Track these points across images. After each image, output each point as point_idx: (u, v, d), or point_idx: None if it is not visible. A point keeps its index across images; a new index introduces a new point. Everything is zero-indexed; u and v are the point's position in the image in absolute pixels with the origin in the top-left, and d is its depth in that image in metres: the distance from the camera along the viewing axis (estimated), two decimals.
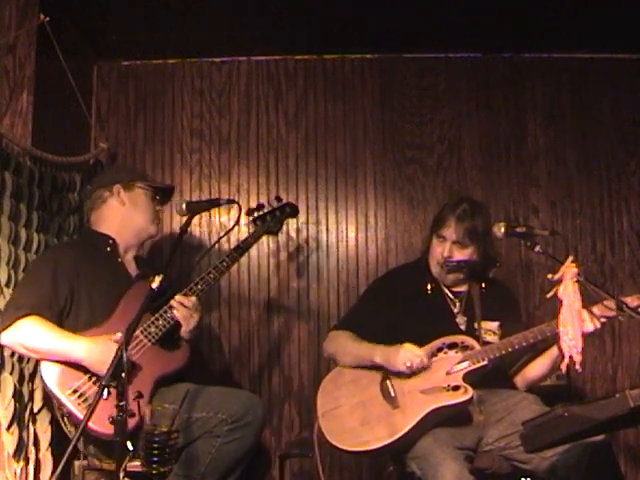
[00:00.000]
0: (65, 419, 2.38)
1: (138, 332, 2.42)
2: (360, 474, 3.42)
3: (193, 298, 2.52)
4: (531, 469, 2.36)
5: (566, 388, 3.10)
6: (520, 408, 2.44)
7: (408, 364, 2.42)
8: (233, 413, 2.33)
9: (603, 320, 2.35)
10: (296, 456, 3.33)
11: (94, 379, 2.32)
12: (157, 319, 2.47)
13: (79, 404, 2.28)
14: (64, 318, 2.44)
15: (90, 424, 2.11)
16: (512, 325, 2.58)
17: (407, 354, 2.43)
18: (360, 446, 2.39)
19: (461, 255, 2.62)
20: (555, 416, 1.85)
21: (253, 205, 2.79)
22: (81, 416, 2.25)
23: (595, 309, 2.35)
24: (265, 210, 2.77)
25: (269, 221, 2.77)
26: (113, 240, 2.63)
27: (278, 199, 2.83)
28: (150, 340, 2.44)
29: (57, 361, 2.33)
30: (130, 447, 1.89)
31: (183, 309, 2.50)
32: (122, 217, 2.65)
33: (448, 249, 2.62)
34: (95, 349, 2.29)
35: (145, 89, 3.67)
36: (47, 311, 2.38)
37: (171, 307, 2.48)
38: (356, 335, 2.64)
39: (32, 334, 2.32)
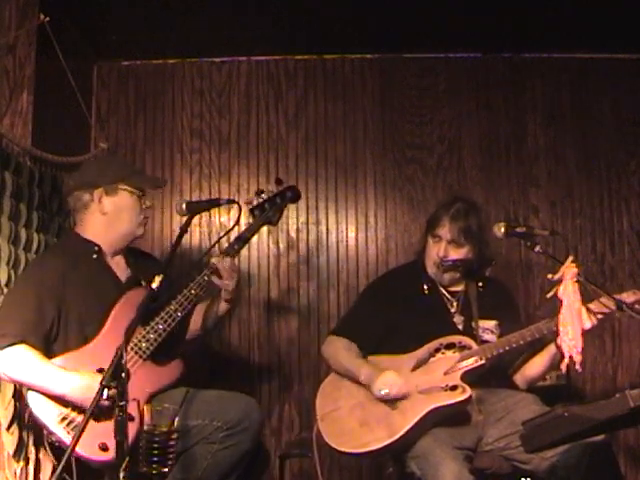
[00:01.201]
0: (53, 447, 2.28)
1: (128, 349, 2.29)
2: (360, 474, 3.42)
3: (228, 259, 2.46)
4: (531, 469, 2.36)
5: (566, 388, 3.10)
6: (519, 408, 2.44)
7: (383, 392, 2.41)
8: (229, 420, 2.30)
9: (600, 316, 2.34)
10: (296, 456, 3.33)
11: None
12: (148, 332, 2.36)
13: (68, 432, 2.18)
14: (52, 339, 2.33)
15: (77, 449, 2.01)
16: (510, 323, 2.57)
17: (386, 381, 2.42)
18: (360, 447, 2.39)
19: (456, 254, 2.62)
20: (555, 416, 1.85)
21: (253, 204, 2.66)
22: (70, 442, 2.13)
23: (592, 305, 2.34)
24: (264, 197, 2.58)
25: (268, 210, 2.58)
26: (99, 247, 2.47)
27: (278, 182, 2.63)
28: (141, 356, 2.34)
29: None
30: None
31: (223, 266, 2.43)
32: (105, 225, 2.48)
33: (444, 248, 2.62)
34: (77, 385, 2.18)
35: (145, 89, 3.67)
36: (33, 337, 2.25)
37: (170, 315, 2.39)
38: (352, 343, 2.63)
39: (16, 365, 2.21)
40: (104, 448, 2.13)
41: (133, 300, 2.34)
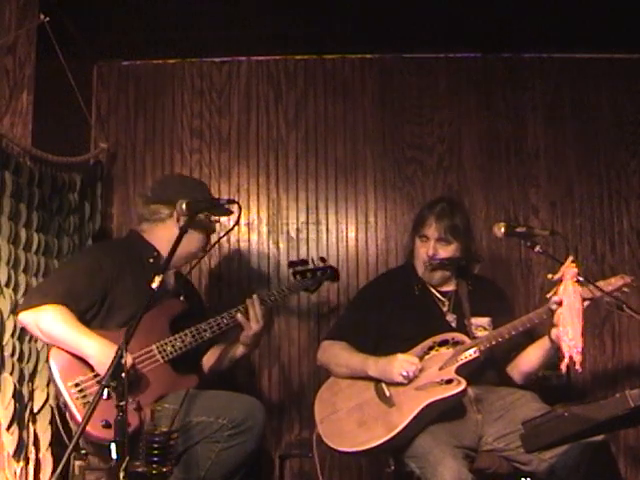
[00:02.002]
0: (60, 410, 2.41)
1: (153, 347, 2.44)
2: (360, 474, 3.42)
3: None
4: (531, 470, 2.36)
5: (566, 388, 3.11)
6: (518, 406, 2.45)
7: (404, 373, 2.42)
8: (233, 418, 2.33)
9: (587, 302, 2.33)
10: (296, 456, 3.33)
11: (98, 378, 2.31)
12: (176, 339, 2.48)
13: (77, 398, 2.29)
14: (88, 319, 2.42)
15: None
16: (503, 319, 2.58)
17: (403, 364, 2.43)
18: (359, 446, 2.40)
19: (445, 252, 2.65)
20: (555, 416, 1.86)
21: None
22: (75, 410, 2.27)
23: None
24: (308, 267, 2.92)
25: (309, 278, 2.91)
26: (158, 253, 2.61)
27: (323, 260, 3.00)
28: (163, 357, 2.45)
29: (68, 351, 2.34)
30: (114, 455, 1.88)
31: (254, 310, 2.60)
32: (159, 241, 2.61)
33: (432, 247, 2.64)
34: (106, 351, 2.27)
35: (145, 89, 3.67)
36: (72, 304, 2.37)
37: (199, 332, 2.52)
38: (349, 345, 2.64)
39: (51, 319, 2.32)
40: (107, 425, 2.19)
41: (167, 308, 2.54)
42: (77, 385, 2.31)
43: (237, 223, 2.63)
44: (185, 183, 2.77)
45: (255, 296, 2.64)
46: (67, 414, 2.36)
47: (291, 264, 2.94)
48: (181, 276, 2.74)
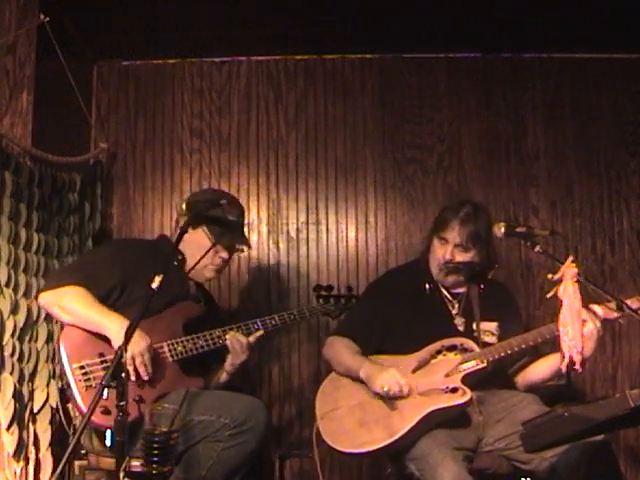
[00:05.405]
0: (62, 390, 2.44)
1: (164, 344, 2.46)
2: (360, 474, 3.42)
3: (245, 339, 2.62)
4: (531, 469, 2.35)
5: (566, 388, 3.10)
6: (520, 408, 2.44)
7: (385, 388, 2.39)
8: (235, 417, 2.33)
9: (603, 316, 2.33)
10: (296, 456, 3.33)
11: (105, 365, 2.33)
12: (188, 341, 2.50)
13: (80, 380, 2.30)
14: (109, 307, 2.44)
15: (83, 409, 2.24)
16: (511, 325, 2.57)
17: (388, 379, 2.41)
18: (358, 448, 2.39)
19: (462, 258, 2.60)
20: (555, 416, 1.86)
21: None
22: (77, 391, 2.30)
23: (596, 307, 2.34)
24: (332, 293, 2.93)
25: (331, 304, 2.92)
26: (183, 256, 2.64)
27: (349, 289, 3.01)
28: (172, 356, 2.47)
29: (81, 331, 2.36)
30: (108, 442, 1.89)
31: (237, 343, 2.59)
32: (185, 247, 2.61)
33: (450, 252, 2.60)
34: (126, 326, 2.26)
35: (145, 89, 3.68)
36: (92, 288, 2.41)
37: (213, 338, 2.55)
38: (353, 343, 2.63)
39: (74, 297, 2.37)
40: (106, 412, 2.20)
41: (184, 310, 2.57)
42: (82, 368, 2.32)
43: None
44: (207, 196, 2.73)
45: (238, 333, 2.64)
46: (69, 396, 2.37)
47: (317, 288, 2.95)
48: (202, 285, 2.78)
